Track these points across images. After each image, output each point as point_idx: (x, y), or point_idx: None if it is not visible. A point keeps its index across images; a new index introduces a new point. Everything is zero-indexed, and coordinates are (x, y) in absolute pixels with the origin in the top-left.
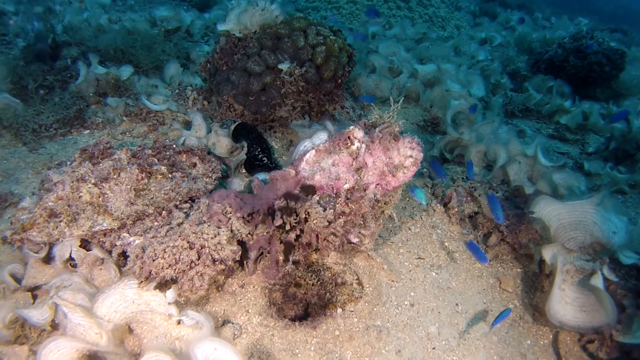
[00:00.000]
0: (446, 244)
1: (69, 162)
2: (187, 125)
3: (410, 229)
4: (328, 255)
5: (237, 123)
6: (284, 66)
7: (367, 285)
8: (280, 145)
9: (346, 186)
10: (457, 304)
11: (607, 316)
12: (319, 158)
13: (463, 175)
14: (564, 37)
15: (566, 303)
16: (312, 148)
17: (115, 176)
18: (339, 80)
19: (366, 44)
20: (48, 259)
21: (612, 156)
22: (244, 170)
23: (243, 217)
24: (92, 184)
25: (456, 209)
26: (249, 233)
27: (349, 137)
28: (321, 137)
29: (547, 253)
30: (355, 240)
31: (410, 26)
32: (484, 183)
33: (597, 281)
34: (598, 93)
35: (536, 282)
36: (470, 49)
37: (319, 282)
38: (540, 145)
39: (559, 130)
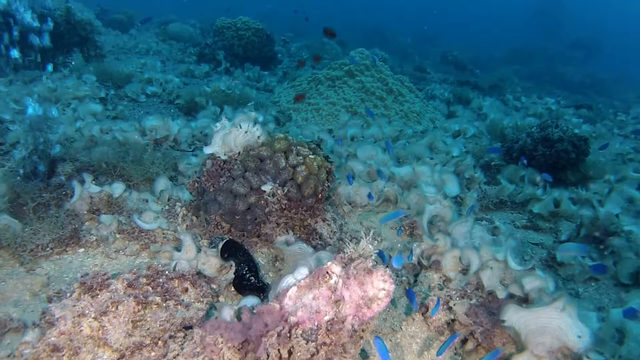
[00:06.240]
0: (425, 353)
1: (68, 294)
2: (178, 244)
3: (390, 340)
4: None
5: (224, 241)
6: (267, 187)
7: None
8: (266, 261)
9: (326, 318)
10: None
11: None
12: (301, 293)
13: (440, 282)
14: (532, 126)
15: None
16: (294, 284)
17: (113, 309)
18: (320, 195)
19: (346, 148)
20: None
21: (584, 243)
22: (232, 289)
23: (234, 346)
24: (92, 317)
25: (434, 317)
26: None
27: (327, 272)
28: (302, 272)
29: None
30: None
31: (387, 124)
32: (459, 290)
33: None
34: (569, 175)
35: None
36: (445, 145)
37: None
38: (510, 248)
39: (532, 220)
